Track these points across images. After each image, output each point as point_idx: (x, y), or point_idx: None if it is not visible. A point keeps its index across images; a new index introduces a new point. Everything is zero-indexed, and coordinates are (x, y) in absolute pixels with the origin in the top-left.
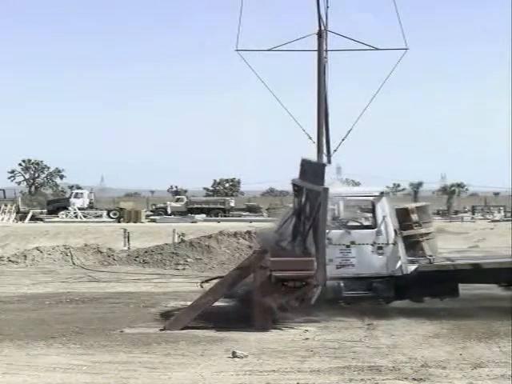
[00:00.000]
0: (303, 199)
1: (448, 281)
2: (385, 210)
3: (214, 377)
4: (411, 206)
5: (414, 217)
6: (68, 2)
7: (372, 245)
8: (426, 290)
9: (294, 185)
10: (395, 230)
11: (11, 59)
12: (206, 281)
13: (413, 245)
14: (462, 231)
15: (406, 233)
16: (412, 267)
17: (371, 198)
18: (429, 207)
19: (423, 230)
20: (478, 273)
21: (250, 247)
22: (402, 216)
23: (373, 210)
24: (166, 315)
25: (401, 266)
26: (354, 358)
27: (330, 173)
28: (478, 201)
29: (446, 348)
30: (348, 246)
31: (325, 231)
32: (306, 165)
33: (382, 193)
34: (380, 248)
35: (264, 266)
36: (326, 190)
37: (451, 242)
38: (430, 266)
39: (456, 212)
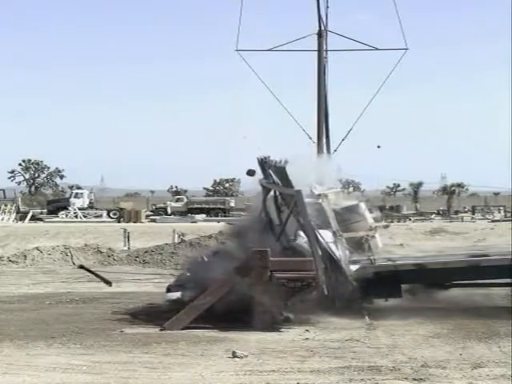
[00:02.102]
0: (273, 200)
1: (390, 281)
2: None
3: (213, 377)
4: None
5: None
6: (66, 1)
7: None
8: (369, 290)
9: (262, 185)
10: (335, 231)
11: (11, 59)
12: (83, 267)
13: (353, 245)
14: (462, 231)
15: (346, 234)
16: (353, 268)
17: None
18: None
19: (362, 232)
20: (420, 273)
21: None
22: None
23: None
24: (166, 315)
25: None
26: (353, 358)
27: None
28: (478, 201)
29: (446, 348)
30: None
31: (314, 232)
32: (264, 165)
33: (319, 195)
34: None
35: (264, 266)
36: (299, 191)
37: (451, 242)
38: (370, 267)
39: (456, 212)
